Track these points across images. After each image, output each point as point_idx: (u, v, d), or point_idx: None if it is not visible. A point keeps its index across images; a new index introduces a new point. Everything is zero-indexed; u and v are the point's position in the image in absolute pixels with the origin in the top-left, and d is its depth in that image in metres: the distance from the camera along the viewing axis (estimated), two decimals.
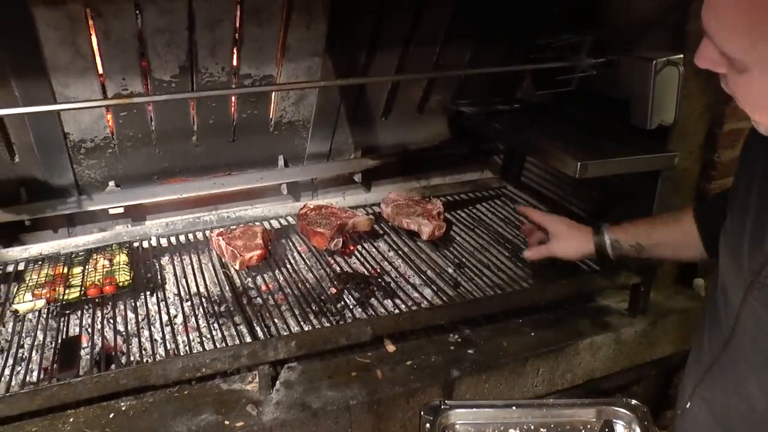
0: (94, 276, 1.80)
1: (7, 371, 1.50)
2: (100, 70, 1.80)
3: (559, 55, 2.00)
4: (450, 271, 2.00)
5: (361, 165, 2.39)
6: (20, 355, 1.59)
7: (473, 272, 1.96)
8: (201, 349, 1.56)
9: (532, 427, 1.05)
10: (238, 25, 1.82)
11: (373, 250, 2.10)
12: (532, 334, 1.78)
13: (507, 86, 2.45)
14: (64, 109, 1.81)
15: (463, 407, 1.06)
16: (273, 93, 2.07)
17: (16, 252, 1.99)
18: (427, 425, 1.05)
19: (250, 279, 1.94)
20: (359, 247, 2.12)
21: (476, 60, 2.25)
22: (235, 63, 1.92)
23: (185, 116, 2.02)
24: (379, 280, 1.94)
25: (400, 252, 2.09)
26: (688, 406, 1.16)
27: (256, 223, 2.14)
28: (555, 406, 1.08)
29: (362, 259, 2.04)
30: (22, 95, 1.75)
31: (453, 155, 2.57)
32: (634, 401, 1.09)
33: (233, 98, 2.04)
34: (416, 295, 1.84)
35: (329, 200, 2.34)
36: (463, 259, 2.05)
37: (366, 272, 1.98)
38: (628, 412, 1.07)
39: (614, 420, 1.07)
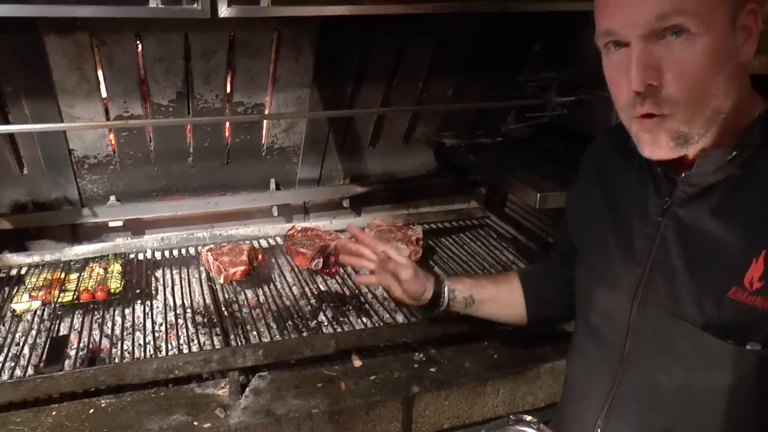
0: (88, 282, 1.93)
1: (5, 368, 1.64)
2: (104, 94, 1.96)
3: (537, 92, 2.13)
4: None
5: (349, 191, 2.52)
6: (14, 352, 1.71)
7: None
8: None
9: None
10: (230, 56, 1.97)
11: (354, 272, 2.21)
12: (495, 356, 1.85)
13: (491, 120, 2.57)
14: (70, 129, 1.97)
15: None
16: (264, 120, 2.21)
17: (20, 258, 2.14)
18: None
19: (234, 294, 2.05)
20: (342, 269, 2.23)
21: (459, 94, 2.38)
22: (228, 90, 2.07)
23: (182, 138, 2.17)
24: (356, 300, 2.04)
25: None
26: None
27: (246, 242, 2.26)
28: None
29: (342, 281, 2.15)
30: (32, 113, 1.92)
31: (440, 185, 2.68)
32: (526, 417, 1.09)
33: (227, 124, 2.18)
34: (388, 316, 1.94)
35: (319, 223, 2.47)
36: None
37: (345, 293, 2.08)
38: (524, 428, 1.07)
39: None
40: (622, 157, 1.19)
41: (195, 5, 1.29)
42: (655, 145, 1.01)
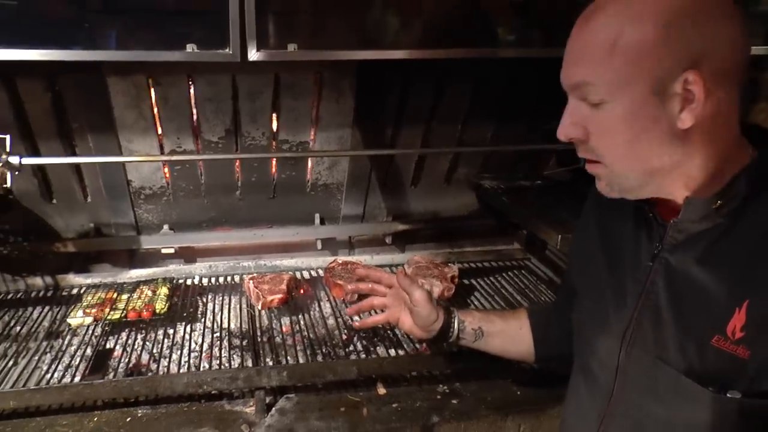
0: (137, 303, 2.08)
1: (56, 375, 1.80)
2: (159, 130, 2.14)
3: None
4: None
5: (391, 228, 2.61)
6: (66, 362, 1.86)
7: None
8: None
9: None
10: (275, 97, 2.12)
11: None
12: (518, 392, 1.87)
13: (531, 164, 2.62)
14: (128, 161, 2.16)
15: None
16: (308, 158, 2.35)
17: (81, 279, 2.33)
18: None
19: (273, 320, 2.15)
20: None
21: (498, 138, 2.45)
22: (274, 129, 2.22)
23: (231, 173, 2.32)
24: (388, 332, 2.11)
25: None
26: None
27: (288, 272, 2.38)
28: None
29: (377, 312, 2.22)
30: (96, 147, 2.12)
31: (482, 226, 2.74)
32: None
33: (273, 160, 2.33)
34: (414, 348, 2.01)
35: (361, 258, 2.57)
36: None
37: (378, 325, 2.16)
38: None
39: None
40: (620, 201, 1.21)
41: (227, 50, 1.44)
42: (599, 186, 1.11)
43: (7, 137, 1.57)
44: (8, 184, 1.59)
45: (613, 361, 1.19)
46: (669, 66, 0.95)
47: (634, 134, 1.01)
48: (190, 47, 1.43)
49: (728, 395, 1.01)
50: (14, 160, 1.59)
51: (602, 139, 1.04)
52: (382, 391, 1.85)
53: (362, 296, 2.21)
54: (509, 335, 1.62)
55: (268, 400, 1.74)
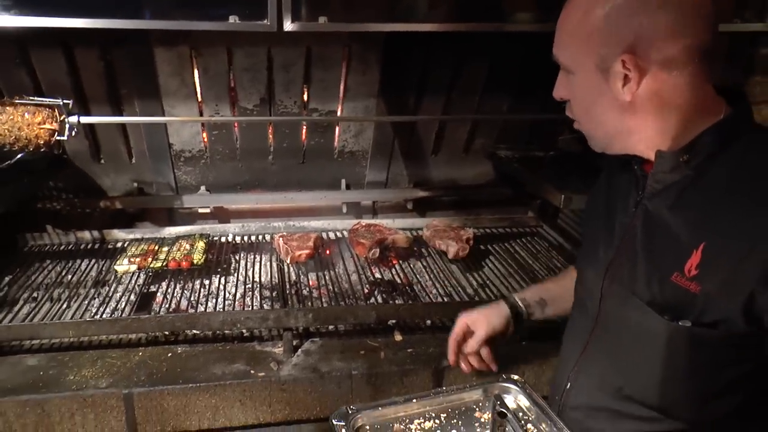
0: (176, 254, 2.27)
1: (105, 316, 1.97)
2: (199, 97, 2.32)
3: None
4: (470, 290, 2.25)
5: (412, 194, 2.78)
6: (114, 304, 2.05)
7: (492, 292, 2.22)
8: None
9: (434, 414, 1.17)
10: (306, 68, 2.29)
11: (409, 266, 2.44)
12: (524, 343, 2.01)
13: (544, 135, 2.76)
14: (170, 122, 2.36)
15: (369, 408, 1.15)
16: (336, 125, 2.52)
17: (125, 234, 2.53)
18: (343, 431, 1.13)
19: (301, 275, 2.32)
20: (400, 261, 2.47)
21: (514, 109, 2.60)
22: (305, 98, 2.39)
23: (264, 139, 2.50)
24: (406, 288, 2.25)
25: (431, 269, 2.40)
26: (569, 386, 1.44)
27: (315, 233, 2.55)
28: (448, 392, 1.21)
29: (397, 271, 2.38)
30: (141, 111, 2.31)
31: (498, 195, 2.88)
32: (514, 376, 1.27)
33: (304, 127, 2.50)
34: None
35: (385, 221, 2.72)
36: (487, 282, 2.31)
37: (396, 281, 2.31)
38: (511, 386, 1.25)
39: (502, 394, 1.23)
40: (623, 159, 1.36)
41: (265, 21, 1.61)
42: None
43: (71, 102, 1.76)
44: (65, 137, 1.77)
45: (597, 293, 1.37)
46: (608, 49, 1.14)
47: (590, 102, 1.22)
48: (233, 18, 1.60)
49: (680, 323, 1.17)
50: (73, 119, 1.78)
51: (574, 104, 1.27)
52: (398, 337, 2.01)
53: (383, 253, 2.40)
54: (568, 294, 1.67)
55: (295, 342, 1.92)
